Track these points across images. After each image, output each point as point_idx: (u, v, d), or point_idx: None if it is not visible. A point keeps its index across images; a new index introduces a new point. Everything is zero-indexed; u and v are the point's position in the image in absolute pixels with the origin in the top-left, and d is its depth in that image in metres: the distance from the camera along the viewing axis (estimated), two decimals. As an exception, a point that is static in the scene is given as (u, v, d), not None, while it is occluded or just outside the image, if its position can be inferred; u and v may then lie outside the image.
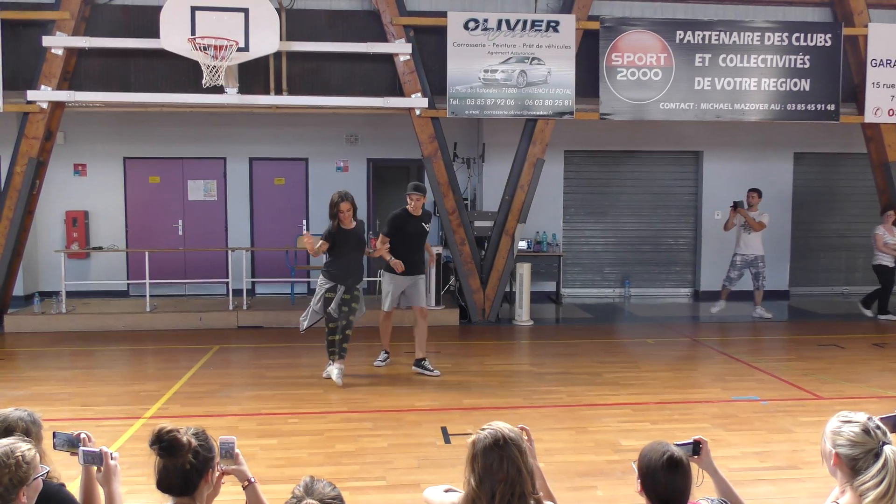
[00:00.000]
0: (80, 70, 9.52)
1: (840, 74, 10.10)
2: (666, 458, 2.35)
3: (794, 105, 10.10)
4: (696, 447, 2.63)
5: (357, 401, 6.29)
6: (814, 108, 10.12)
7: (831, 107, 10.16)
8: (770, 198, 12.24)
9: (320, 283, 6.85)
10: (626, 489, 4.30)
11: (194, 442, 2.34)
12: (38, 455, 2.22)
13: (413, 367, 7.25)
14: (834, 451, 2.39)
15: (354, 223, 6.81)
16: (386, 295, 7.27)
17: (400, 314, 7.89)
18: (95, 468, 2.48)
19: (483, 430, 2.31)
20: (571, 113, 9.79)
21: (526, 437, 2.66)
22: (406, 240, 7.14)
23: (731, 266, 10.70)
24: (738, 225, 10.55)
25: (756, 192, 10.51)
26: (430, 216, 7.41)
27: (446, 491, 2.64)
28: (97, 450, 2.47)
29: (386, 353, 7.56)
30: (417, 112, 9.69)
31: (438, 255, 10.13)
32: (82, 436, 2.55)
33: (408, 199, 7.12)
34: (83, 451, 2.46)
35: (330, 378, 6.83)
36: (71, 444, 2.52)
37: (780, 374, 7.15)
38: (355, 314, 6.88)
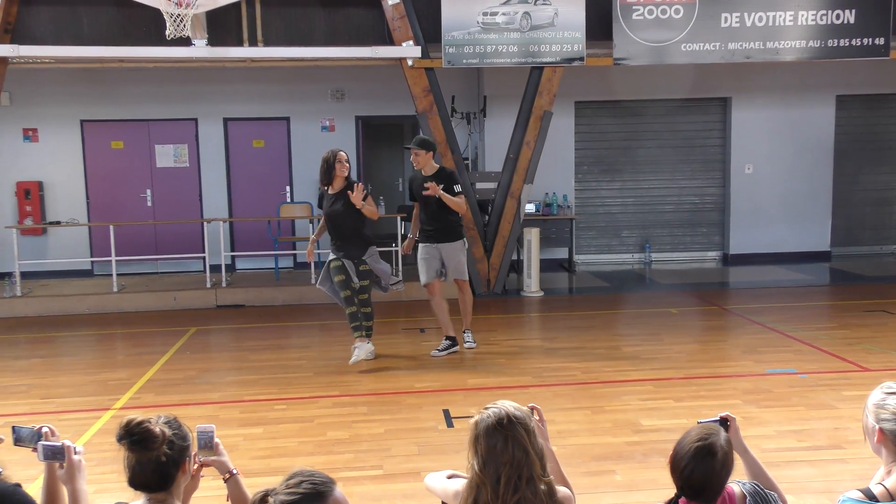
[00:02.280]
0: (24, 21, 9.38)
1: (891, 3, 9.94)
2: (697, 448, 2.34)
3: (836, 40, 9.96)
4: (724, 425, 2.64)
5: (350, 383, 6.32)
6: (859, 44, 9.98)
7: (880, 41, 10.01)
8: (808, 148, 12.22)
9: (330, 257, 6.85)
10: (648, 473, 4.34)
11: (168, 431, 2.34)
12: None
13: (439, 353, 7.09)
14: (878, 427, 2.39)
15: (346, 184, 6.73)
16: (420, 266, 7.15)
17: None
18: (57, 465, 2.48)
19: (486, 409, 2.32)
20: (582, 59, 9.69)
21: (537, 418, 2.67)
22: (422, 203, 7.06)
23: None
24: None
25: None
26: (448, 176, 6.96)
27: (449, 477, 2.66)
28: (59, 444, 2.47)
29: (447, 339, 7.17)
30: (410, 62, 9.60)
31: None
32: (44, 430, 2.55)
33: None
34: (42, 445, 2.46)
35: (355, 361, 6.63)
36: (31, 439, 2.52)
37: (821, 344, 7.16)
38: (369, 291, 6.79)
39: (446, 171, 7.17)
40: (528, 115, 9.92)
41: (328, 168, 6.67)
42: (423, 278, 7.17)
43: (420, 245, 7.16)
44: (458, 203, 6.93)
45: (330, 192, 6.74)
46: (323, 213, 6.81)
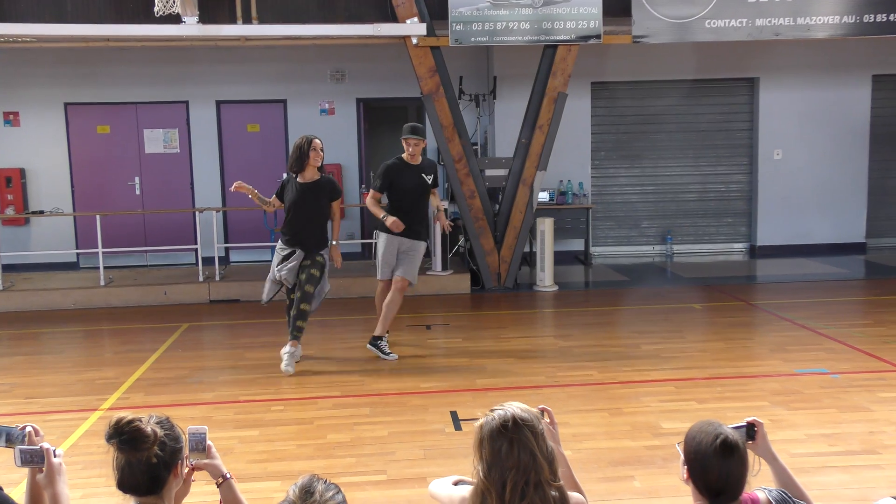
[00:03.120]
0: (5, -2, 9.43)
1: (930, -24, 9.86)
2: (720, 442, 2.36)
3: (872, 16, 9.89)
4: (751, 430, 2.64)
5: (352, 383, 6.35)
6: (896, 20, 9.91)
7: (918, 17, 9.94)
8: (842, 132, 12.17)
9: (278, 247, 6.86)
10: (669, 479, 4.34)
11: (159, 432, 2.36)
12: None
13: (367, 346, 7.09)
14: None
15: (318, 176, 6.72)
16: (380, 260, 7.13)
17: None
18: (38, 469, 2.50)
19: (491, 411, 2.33)
20: (599, 36, 9.66)
21: (548, 420, 2.67)
22: (403, 196, 7.03)
23: None
24: None
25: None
26: (434, 166, 7.27)
27: (456, 483, 2.67)
28: (37, 447, 2.48)
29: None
30: (414, 41, 9.58)
31: (445, 210, 10.10)
32: (28, 430, 2.55)
33: (404, 145, 7.05)
34: (20, 450, 2.46)
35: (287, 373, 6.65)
36: (9, 439, 2.53)
37: (854, 342, 7.15)
38: (315, 284, 6.70)
39: (427, 159, 7.26)
40: (541, 96, 9.90)
41: (301, 155, 6.63)
42: (381, 273, 7.11)
43: (392, 238, 6.99)
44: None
45: (299, 180, 6.71)
46: (287, 202, 6.73)
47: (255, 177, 12.05)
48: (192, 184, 12.11)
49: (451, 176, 10.09)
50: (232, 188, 6.67)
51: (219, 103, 12.06)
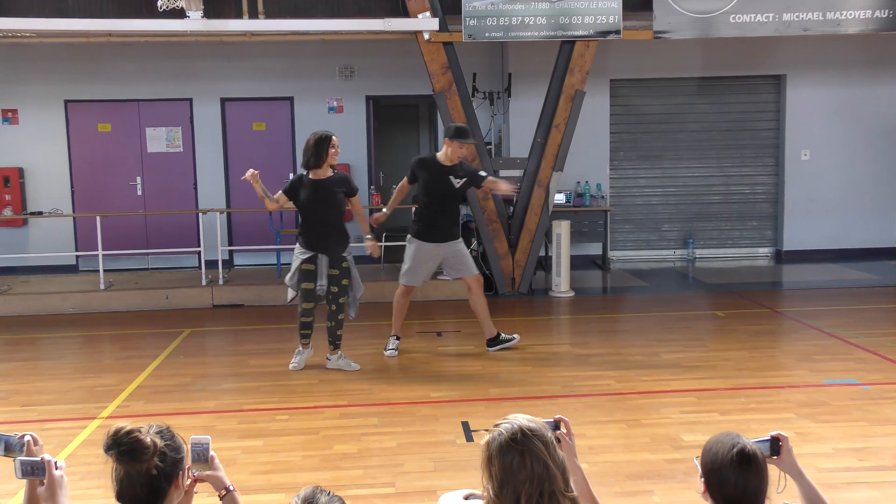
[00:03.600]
0: (4, -8, 9.50)
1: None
2: (736, 452, 2.35)
3: (904, 11, 9.84)
4: (776, 445, 2.62)
5: (360, 392, 6.35)
6: (931, 15, 9.85)
7: (953, 12, 9.88)
8: (874, 132, 12.11)
9: (296, 251, 6.86)
10: (689, 494, 4.31)
11: (159, 442, 2.36)
12: None
13: (489, 350, 7.31)
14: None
15: (331, 173, 6.76)
16: (408, 265, 7.27)
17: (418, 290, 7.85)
18: (38, 481, 2.51)
19: (497, 425, 2.32)
20: (618, 32, 9.64)
21: (564, 431, 2.67)
22: (425, 193, 7.15)
23: None
24: None
25: None
26: (473, 174, 7.18)
27: (466, 497, 2.67)
28: (38, 458, 2.49)
29: (397, 338, 7.52)
30: (426, 36, 9.59)
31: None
32: (27, 438, 2.56)
33: (446, 146, 7.13)
34: (20, 461, 2.47)
35: (298, 369, 6.89)
36: (8, 448, 2.54)
37: (886, 352, 7.10)
38: (346, 293, 6.83)
39: (466, 165, 7.30)
40: (558, 94, 9.89)
41: (320, 151, 6.65)
42: (412, 279, 7.27)
43: (420, 243, 7.19)
44: (501, 187, 7.29)
45: (312, 177, 6.74)
46: (302, 201, 6.75)
47: (261, 177, 12.11)
48: (195, 184, 12.16)
49: (463, 177, 10.08)
50: (247, 175, 6.68)
51: (223, 101, 12.10)
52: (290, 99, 12.17)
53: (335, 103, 12.22)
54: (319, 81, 12.10)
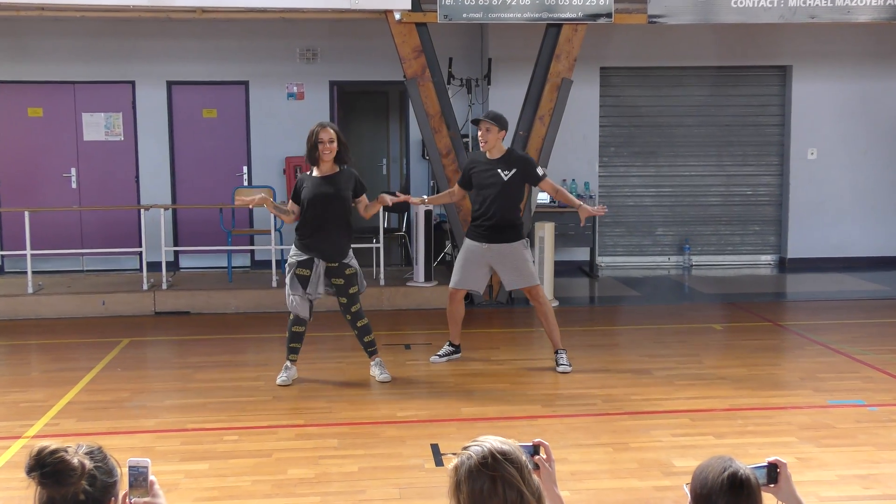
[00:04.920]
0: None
1: None
2: (727, 476, 2.37)
3: (919, -1, 9.99)
4: (773, 472, 2.65)
5: (318, 410, 6.33)
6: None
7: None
8: (886, 129, 12.26)
9: (291, 254, 6.82)
10: (682, 525, 4.35)
11: (88, 464, 2.35)
12: None
13: (558, 368, 7.27)
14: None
15: (338, 169, 6.75)
16: (456, 265, 7.38)
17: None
18: None
19: (465, 448, 2.31)
20: (609, 15, 9.71)
21: (544, 456, 2.68)
22: (477, 192, 7.21)
23: None
24: None
25: None
26: (525, 162, 7.18)
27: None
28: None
29: (452, 345, 7.57)
30: (397, 16, 9.60)
31: (428, 212, 10.13)
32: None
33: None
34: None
35: (286, 385, 6.85)
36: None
37: None
38: (357, 300, 6.85)
39: (516, 154, 7.29)
40: (543, 83, 9.93)
41: (310, 149, 6.68)
42: (458, 282, 7.30)
43: (469, 242, 7.28)
44: (569, 197, 7.41)
45: (315, 174, 6.74)
46: (303, 199, 6.73)
47: (210, 170, 12.12)
48: (137, 177, 12.08)
49: (437, 172, 10.11)
50: (251, 205, 6.72)
51: (170, 84, 12.04)
52: (245, 83, 12.13)
53: (295, 89, 12.19)
54: (278, 65, 12.06)
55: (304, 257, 6.71)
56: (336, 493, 4.83)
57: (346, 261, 6.78)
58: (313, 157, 6.70)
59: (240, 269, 11.55)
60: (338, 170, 6.76)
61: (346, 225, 6.80)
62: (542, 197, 11.13)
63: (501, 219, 7.12)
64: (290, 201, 6.90)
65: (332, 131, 6.68)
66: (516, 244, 7.19)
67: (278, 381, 6.90)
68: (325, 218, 6.69)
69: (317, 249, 6.70)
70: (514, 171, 7.07)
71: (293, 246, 6.84)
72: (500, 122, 7.11)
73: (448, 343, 7.61)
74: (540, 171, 7.23)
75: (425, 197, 7.65)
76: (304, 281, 6.70)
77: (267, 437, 5.77)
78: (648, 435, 5.71)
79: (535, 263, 8.46)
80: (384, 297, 9.92)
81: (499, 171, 7.07)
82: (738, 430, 5.82)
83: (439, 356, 7.55)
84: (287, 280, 6.82)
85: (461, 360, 7.65)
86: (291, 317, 6.86)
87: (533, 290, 7.26)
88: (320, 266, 6.71)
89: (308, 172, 6.87)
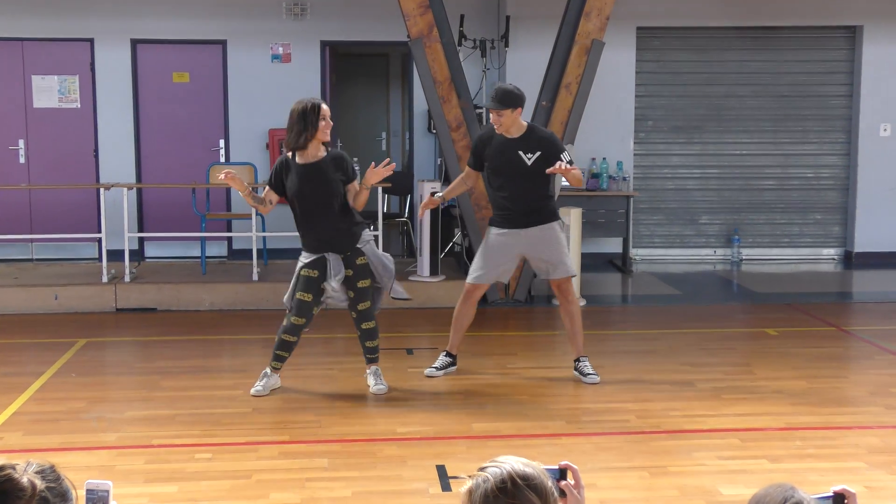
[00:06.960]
0: None
1: None
2: None
3: None
4: (840, 502, 2.63)
5: (305, 425, 6.33)
6: None
7: None
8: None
9: (301, 258, 6.80)
10: (730, 563, 4.34)
11: (39, 484, 2.35)
12: None
13: (586, 381, 7.21)
14: None
15: (324, 152, 6.67)
16: (476, 256, 7.36)
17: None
18: None
19: (482, 470, 2.31)
20: (650, -35, 9.68)
21: (573, 482, 2.67)
22: (492, 176, 7.17)
23: None
24: None
25: None
26: (550, 144, 7.04)
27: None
28: None
29: (449, 355, 7.46)
30: (400, -36, 9.60)
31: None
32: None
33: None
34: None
35: (261, 395, 6.83)
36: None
37: (979, 385, 7.18)
38: (367, 296, 6.85)
39: (539, 132, 7.18)
40: (570, 45, 9.91)
41: (306, 126, 6.52)
42: (480, 276, 7.21)
43: (494, 230, 7.19)
44: (579, 177, 7.13)
45: (299, 161, 6.66)
46: (289, 193, 6.70)
47: (182, 143, 12.12)
48: (96, 151, 12.11)
49: (445, 149, 10.09)
50: (221, 176, 6.66)
51: (135, 43, 12.05)
52: (223, 43, 12.14)
53: (280, 50, 12.18)
54: (260, 22, 12.06)
55: (312, 258, 6.71)
56: (326, 521, 4.84)
57: (359, 246, 6.76)
58: (306, 139, 6.56)
59: (215, 259, 11.56)
60: (324, 153, 6.68)
61: (343, 212, 6.74)
62: (568, 178, 11.11)
63: (528, 205, 7.08)
64: (268, 188, 6.82)
65: (328, 107, 6.68)
66: (553, 224, 7.13)
67: (252, 391, 6.86)
68: (318, 210, 6.67)
69: (323, 247, 6.68)
70: (538, 153, 6.93)
71: (301, 253, 6.81)
72: (511, 100, 6.92)
73: (445, 353, 7.47)
74: (566, 156, 6.94)
75: (440, 194, 7.52)
76: (310, 284, 6.68)
77: (246, 456, 5.75)
78: (691, 457, 5.69)
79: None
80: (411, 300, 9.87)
81: (520, 153, 6.97)
82: (795, 453, 5.79)
83: (436, 369, 7.43)
84: (288, 294, 6.85)
85: (472, 369, 7.63)
86: (285, 322, 6.84)
87: (564, 284, 7.19)
88: (332, 261, 6.67)
89: (290, 157, 6.70)
